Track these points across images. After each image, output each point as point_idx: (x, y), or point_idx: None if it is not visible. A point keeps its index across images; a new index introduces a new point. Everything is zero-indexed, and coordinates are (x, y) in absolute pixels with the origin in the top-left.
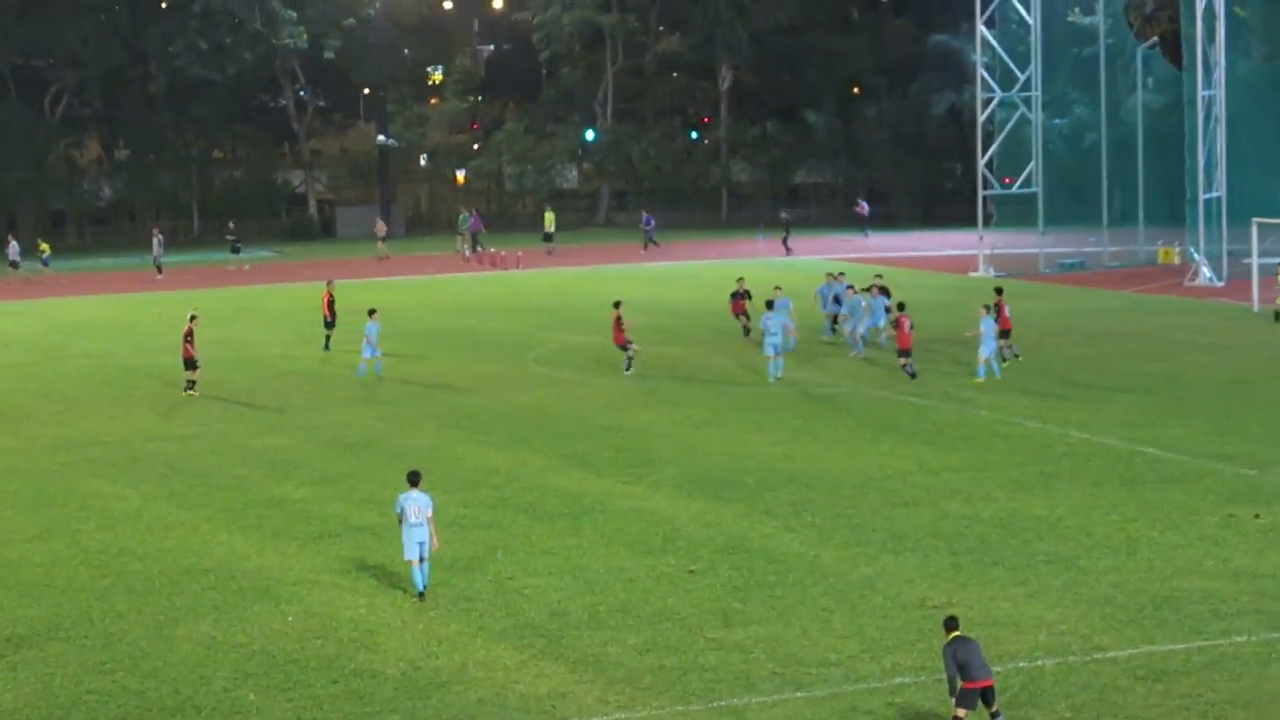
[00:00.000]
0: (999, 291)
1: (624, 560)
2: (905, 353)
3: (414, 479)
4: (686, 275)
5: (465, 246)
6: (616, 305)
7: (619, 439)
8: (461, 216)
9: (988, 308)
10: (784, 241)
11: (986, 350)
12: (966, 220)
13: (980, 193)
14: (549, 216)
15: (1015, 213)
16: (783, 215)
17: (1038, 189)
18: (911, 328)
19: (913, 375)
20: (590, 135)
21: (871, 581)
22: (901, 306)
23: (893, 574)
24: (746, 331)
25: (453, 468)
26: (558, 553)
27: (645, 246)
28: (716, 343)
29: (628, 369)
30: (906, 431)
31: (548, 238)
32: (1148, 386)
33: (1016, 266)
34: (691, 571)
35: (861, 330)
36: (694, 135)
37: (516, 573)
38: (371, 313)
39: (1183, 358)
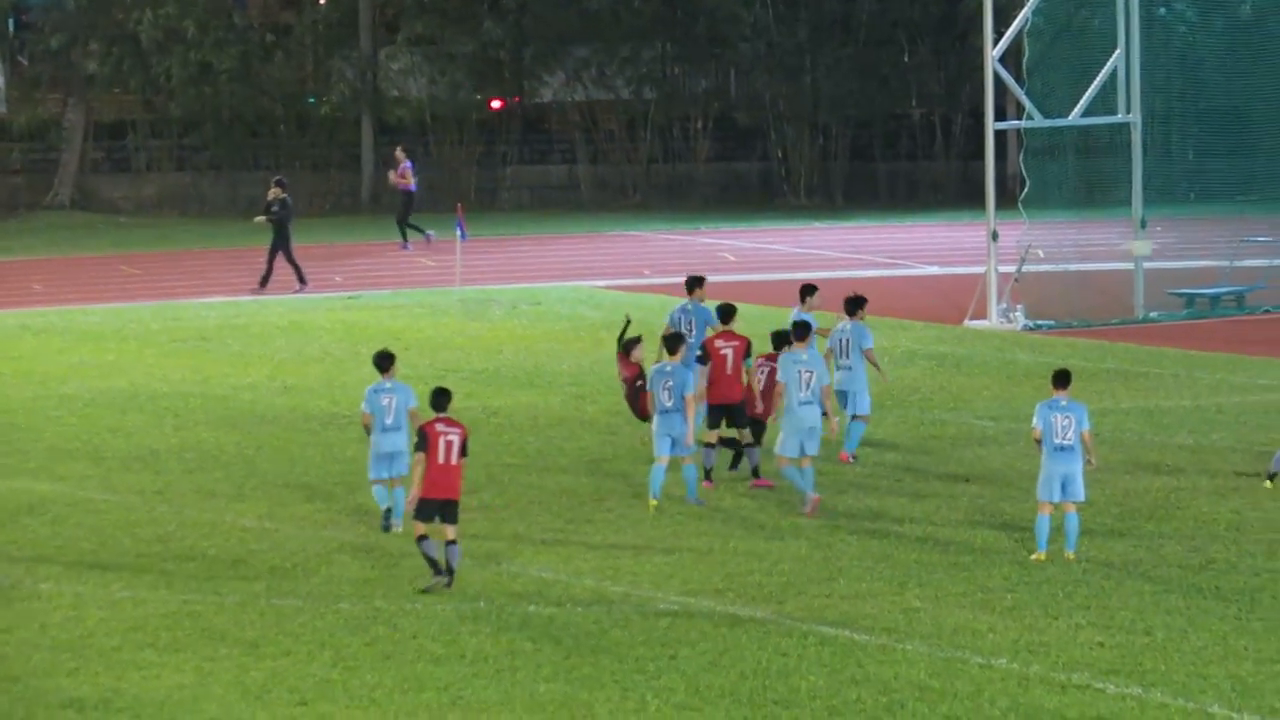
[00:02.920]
0: None
1: None
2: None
3: None
4: (281, 330)
5: None
6: None
7: None
8: None
9: (1064, 379)
10: (272, 248)
11: (1050, 490)
12: (956, 198)
13: (990, 127)
14: None
15: (1073, 177)
16: (272, 192)
17: (1131, 117)
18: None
19: None
20: None
21: None
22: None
23: None
24: (737, 457)
25: None
26: None
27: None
28: (347, 489)
29: None
30: (817, 709)
31: None
32: None
33: (1080, 303)
34: None
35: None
36: None
37: None
38: None
39: None
